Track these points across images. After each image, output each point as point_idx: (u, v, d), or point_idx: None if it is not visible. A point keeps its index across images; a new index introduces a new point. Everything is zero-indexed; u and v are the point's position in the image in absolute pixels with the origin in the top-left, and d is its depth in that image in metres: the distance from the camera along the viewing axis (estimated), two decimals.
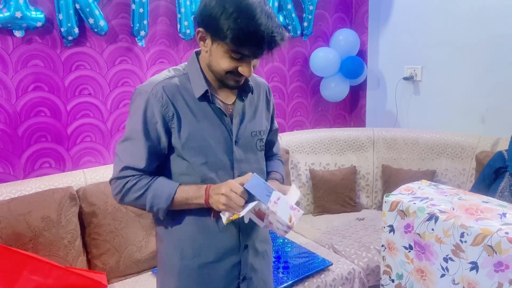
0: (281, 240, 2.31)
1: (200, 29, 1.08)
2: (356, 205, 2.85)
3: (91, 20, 2.10)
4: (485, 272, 1.19)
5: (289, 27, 2.92)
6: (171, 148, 1.14)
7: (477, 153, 2.52)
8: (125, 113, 2.36)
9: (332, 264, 2.10)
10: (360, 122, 3.46)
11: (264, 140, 1.26)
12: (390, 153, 2.94)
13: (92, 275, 1.86)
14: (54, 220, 1.89)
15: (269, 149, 1.38)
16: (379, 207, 2.86)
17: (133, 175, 1.12)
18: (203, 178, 1.13)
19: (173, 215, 1.18)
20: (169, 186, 1.11)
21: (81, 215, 2.02)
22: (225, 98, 1.19)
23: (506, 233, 1.16)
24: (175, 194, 1.10)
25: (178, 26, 2.43)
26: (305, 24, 3.00)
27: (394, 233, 1.40)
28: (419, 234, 1.32)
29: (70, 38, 2.09)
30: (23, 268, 1.69)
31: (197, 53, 1.18)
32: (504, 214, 1.24)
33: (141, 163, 1.11)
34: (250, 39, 1.00)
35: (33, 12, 1.96)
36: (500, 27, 2.53)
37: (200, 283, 1.20)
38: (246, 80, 1.20)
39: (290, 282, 1.93)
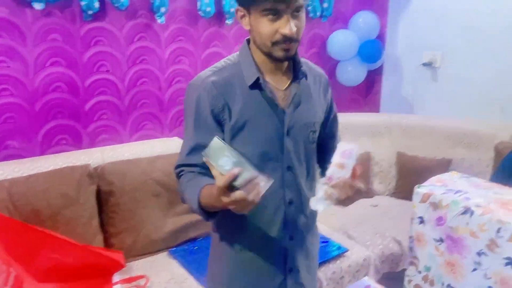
0: None
1: (238, 7, 1.10)
2: (369, 191, 2.84)
3: None
4: None
5: (309, 8, 2.85)
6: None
7: (496, 143, 2.50)
8: (142, 91, 2.32)
9: (348, 251, 2.10)
10: (374, 107, 3.43)
11: (318, 133, 1.22)
12: (405, 140, 2.91)
13: (110, 254, 1.85)
14: (73, 197, 1.88)
15: (328, 141, 1.30)
16: (393, 194, 2.85)
17: (181, 171, 1.14)
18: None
19: (221, 224, 1.18)
20: (198, 186, 1.05)
21: (98, 194, 2.00)
22: (278, 84, 1.15)
23: None
24: (199, 196, 1.03)
25: (198, 3, 2.36)
26: (325, 5, 2.92)
27: (424, 224, 1.39)
28: (451, 228, 1.31)
29: (90, 12, 2.03)
30: (42, 246, 1.68)
31: (248, 41, 1.16)
32: None
33: (185, 159, 1.13)
34: None
35: None
36: None
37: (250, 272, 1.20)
38: (300, 66, 1.16)
39: None
